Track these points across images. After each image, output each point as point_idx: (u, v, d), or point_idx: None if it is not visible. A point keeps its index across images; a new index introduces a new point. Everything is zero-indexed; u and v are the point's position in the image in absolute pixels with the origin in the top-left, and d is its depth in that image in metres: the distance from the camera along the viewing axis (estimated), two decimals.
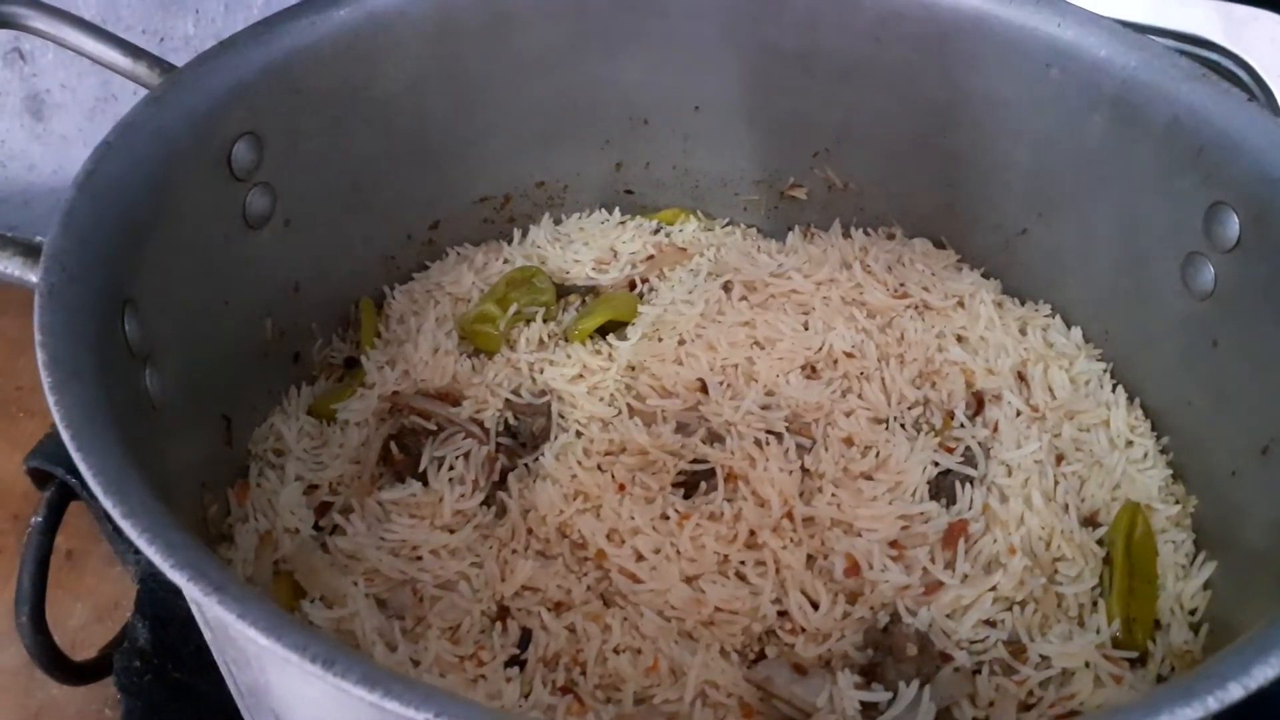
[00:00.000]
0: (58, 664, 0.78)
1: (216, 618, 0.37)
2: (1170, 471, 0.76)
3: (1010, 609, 0.67)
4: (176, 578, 0.39)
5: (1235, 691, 0.37)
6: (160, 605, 0.78)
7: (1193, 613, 0.69)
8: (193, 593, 0.38)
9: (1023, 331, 0.85)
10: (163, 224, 0.65)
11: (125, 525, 0.40)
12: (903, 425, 0.77)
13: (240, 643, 0.47)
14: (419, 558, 0.70)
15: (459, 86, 0.86)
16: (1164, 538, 0.71)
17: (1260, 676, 0.38)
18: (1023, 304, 0.89)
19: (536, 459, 0.77)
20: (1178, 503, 0.74)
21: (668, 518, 0.73)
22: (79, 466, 0.43)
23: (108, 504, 0.41)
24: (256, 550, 0.70)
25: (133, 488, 0.43)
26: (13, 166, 1.12)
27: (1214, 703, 0.37)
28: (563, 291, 0.90)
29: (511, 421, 0.79)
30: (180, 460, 0.66)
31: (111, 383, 0.55)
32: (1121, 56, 0.74)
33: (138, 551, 0.81)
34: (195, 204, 0.68)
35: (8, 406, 1.08)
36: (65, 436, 0.44)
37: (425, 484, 0.74)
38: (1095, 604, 0.68)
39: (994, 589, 0.67)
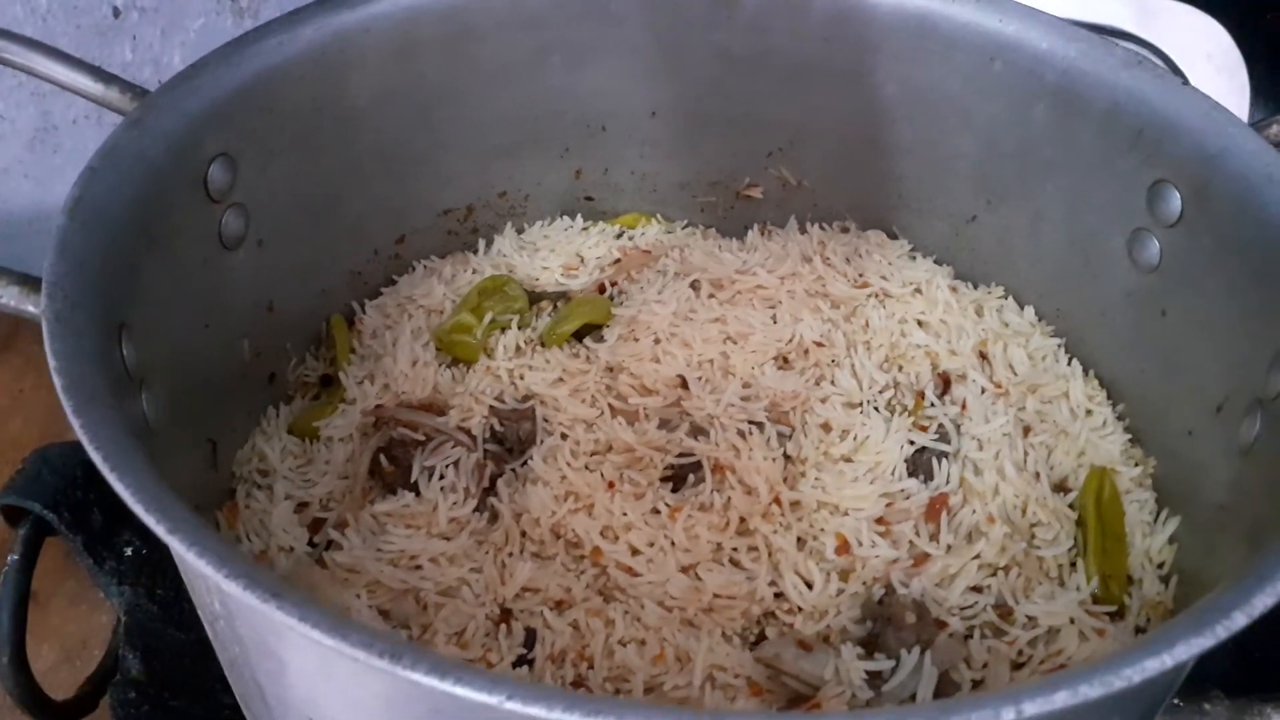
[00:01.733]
0: (41, 706, 0.77)
1: (268, 624, 0.38)
2: (1129, 436, 0.80)
3: (995, 574, 0.70)
4: (231, 587, 0.39)
5: (1239, 620, 0.40)
6: (150, 635, 0.77)
7: (1160, 565, 0.73)
8: (249, 600, 0.38)
9: (979, 313, 0.89)
10: (148, 248, 0.65)
11: (172, 541, 0.40)
12: (876, 408, 0.81)
13: (280, 651, 0.47)
14: (418, 567, 0.71)
15: (422, 100, 0.87)
16: (1129, 498, 0.75)
17: (1260, 605, 0.41)
18: (976, 288, 0.93)
19: (525, 463, 0.78)
20: (1138, 465, 0.78)
21: (659, 511, 0.75)
22: (115, 487, 0.43)
23: (151, 521, 0.41)
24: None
25: (171, 504, 0.44)
26: None
27: (1223, 631, 0.40)
28: (534, 298, 0.91)
29: (497, 428, 0.80)
30: (175, 483, 0.66)
31: (119, 407, 0.55)
32: (1062, 48, 0.79)
33: (122, 582, 0.80)
34: (176, 227, 0.68)
35: None
36: (97, 459, 0.44)
37: (418, 494, 0.75)
38: (1074, 564, 0.72)
39: (978, 557, 0.70)
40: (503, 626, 0.69)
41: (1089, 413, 0.81)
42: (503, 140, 0.94)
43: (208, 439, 0.75)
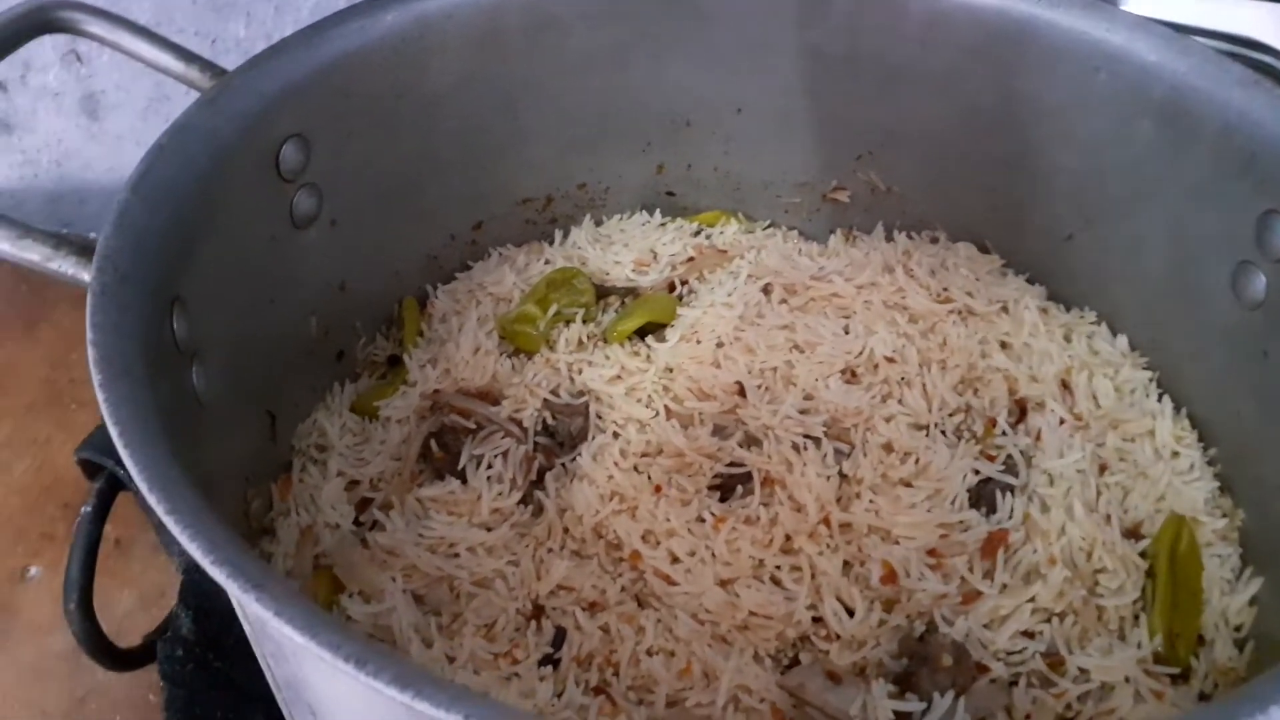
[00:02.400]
0: (104, 650, 0.80)
1: (255, 614, 0.38)
2: (1217, 484, 0.74)
3: (1049, 620, 0.66)
4: (216, 574, 0.39)
5: (1276, 715, 0.36)
6: (203, 596, 0.79)
7: (1238, 629, 0.67)
8: (232, 589, 0.39)
9: (1067, 339, 0.84)
10: (212, 224, 0.66)
11: (169, 521, 0.41)
12: (943, 432, 0.77)
13: (278, 639, 0.47)
14: (456, 555, 0.71)
15: (503, 89, 0.87)
16: (1210, 551, 0.70)
17: None
18: (1068, 310, 0.88)
19: (574, 459, 0.77)
20: (1224, 516, 0.72)
21: (703, 520, 0.73)
22: (125, 463, 0.44)
23: (152, 500, 0.42)
24: (298, 544, 0.72)
25: (176, 485, 0.44)
26: (69, 165, 1.15)
27: None
28: (602, 293, 0.90)
29: (550, 421, 0.79)
30: (224, 455, 0.68)
31: (160, 380, 0.57)
32: (1172, 62, 0.73)
33: None
34: (244, 204, 0.70)
35: (61, 397, 1.11)
36: (113, 433, 0.45)
37: (464, 482, 0.75)
38: (1137, 618, 0.67)
39: (1033, 600, 0.66)
40: (533, 623, 0.69)
41: (1175, 455, 0.76)
42: (584, 132, 0.94)
43: (267, 411, 0.76)
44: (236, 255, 0.70)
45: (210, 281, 0.66)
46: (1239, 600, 0.68)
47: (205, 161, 0.66)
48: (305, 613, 0.38)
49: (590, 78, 0.90)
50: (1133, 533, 0.71)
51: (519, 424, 0.78)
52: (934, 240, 0.95)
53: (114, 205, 0.58)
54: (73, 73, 1.11)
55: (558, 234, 0.97)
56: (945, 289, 0.87)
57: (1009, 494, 0.72)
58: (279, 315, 0.76)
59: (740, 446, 0.76)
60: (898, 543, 0.70)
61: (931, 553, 0.69)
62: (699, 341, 0.83)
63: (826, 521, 0.72)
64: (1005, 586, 0.67)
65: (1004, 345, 0.83)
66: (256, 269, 0.73)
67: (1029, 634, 0.65)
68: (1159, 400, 0.79)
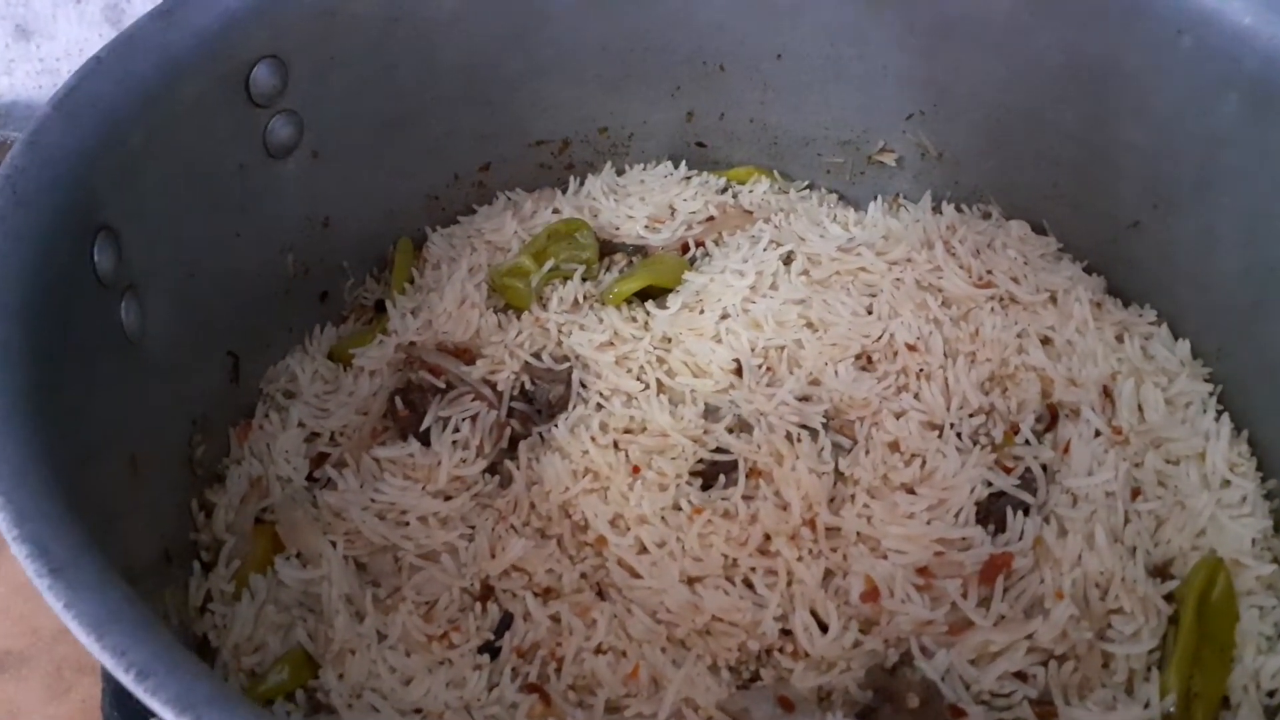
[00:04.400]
0: None
1: (51, 604, 0.33)
2: (1271, 522, 0.64)
3: (1046, 663, 0.58)
4: (19, 550, 0.35)
5: None
6: None
7: (1271, 695, 0.58)
8: (29, 571, 0.34)
9: (1119, 339, 0.74)
10: (161, 148, 0.61)
11: None
12: (959, 435, 0.68)
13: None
14: (406, 523, 0.66)
15: (515, 18, 0.80)
16: (1249, 601, 0.61)
17: None
18: (1125, 306, 0.78)
19: (551, 429, 0.71)
20: (1274, 560, 0.63)
21: (679, 509, 0.66)
22: None
23: None
24: (244, 496, 0.67)
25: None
26: None
27: None
28: (609, 249, 0.83)
29: (528, 386, 0.73)
30: (167, 397, 0.64)
31: (72, 315, 0.52)
32: (1269, 26, 0.62)
33: None
34: (203, 130, 0.65)
35: None
36: None
37: (427, 445, 0.70)
38: (1150, 671, 0.58)
39: (1030, 637, 0.58)
40: (479, 605, 0.63)
41: (1226, 484, 0.66)
42: (606, 71, 0.86)
43: (229, 352, 0.72)
44: (192, 183, 0.65)
45: (155, 211, 0.61)
46: (1276, 662, 0.58)
47: (153, 80, 0.60)
48: (104, 606, 0.33)
49: (613, 11, 0.82)
50: (1160, 571, 0.62)
51: (492, 387, 0.72)
52: (985, 216, 0.86)
53: (31, 123, 0.53)
54: None
55: (574, 181, 0.90)
56: (989, 271, 0.78)
57: (1021, 513, 0.64)
58: (246, 250, 0.71)
59: (729, 431, 0.69)
60: (886, 556, 0.62)
61: (922, 571, 0.61)
62: (702, 311, 0.76)
63: (811, 524, 0.64)
64: (1001, 619, 0.59)
65: (1045, 341, 0.74)
66: (219, 200, 0.68)
67: (1021, 676, 0.57)
68: (1216, 419, 0.69)
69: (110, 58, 0.58)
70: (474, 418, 0.71)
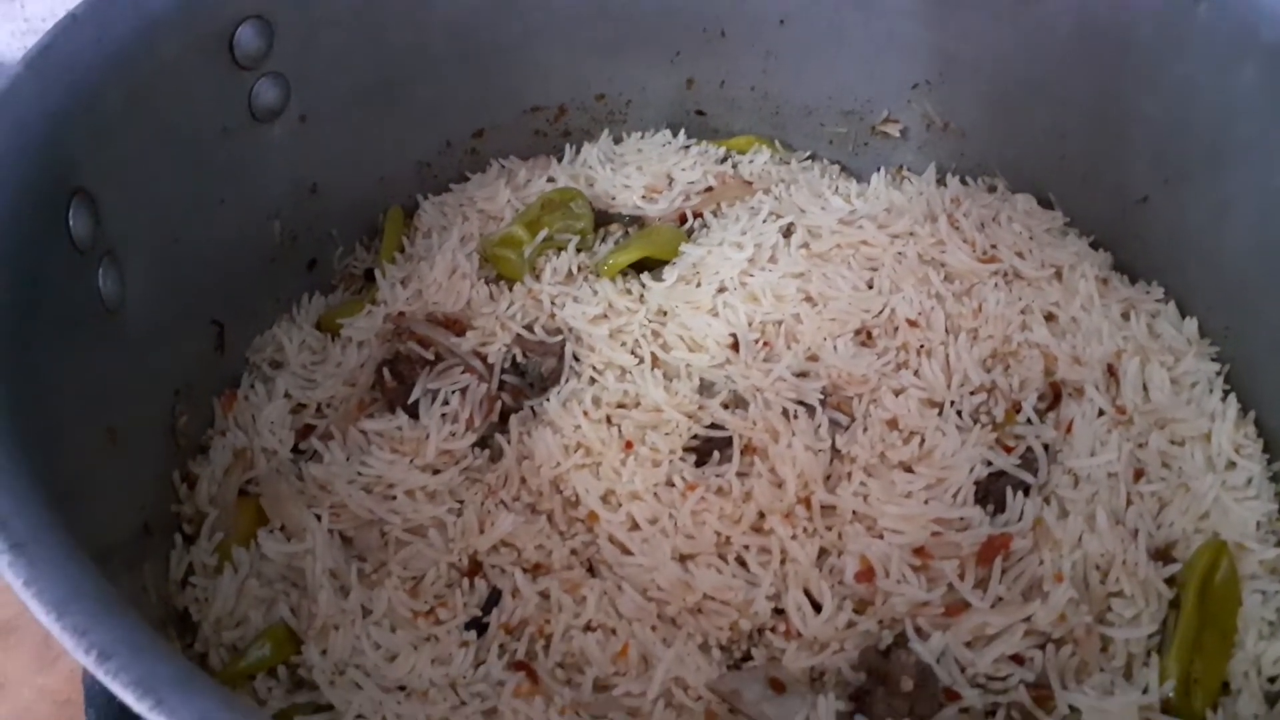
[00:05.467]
0: None
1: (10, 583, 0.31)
2: (1276, 505, 0.63)
3: (1043, 646, 0.57)
4: None
5: None
6: None
7: (1272, 680, 0.57)
8: None
9: (1125, 316, 0.73)
10: (139, 111, 0.59)
11: None
12: (959, 413, 0.67)
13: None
14: (393, 497, 0.64)
15: None
16: (1252, 585, 0.59)
17: None
18: (1133, 283, 0.76)
19: (543, 403, 0.70)
20: (1279, 544, 0.61)
21: (673, 485, 0.65)
22: None
23: None
24: (228, 468, 0.66)
25: None
26: None
27: None
28: (604, 219, 0.81)
29: (520, 359, 0.72)
30: (148, 367, 0.62)
31: (45, 282, 0.51)
32: None
33: None
34: (185, 92, 0.63)
35: None
36: None
37: (415, 418, 0.68)
38: (1150, 655, 0.57)
39: (1028, 620, 0.57)
40: (466, 581, 0.62)
41: (1231, 465, 0.64)
42: (603, 35, 0.84)
43: (213, 321, 0.70)
44: (174, 147, 0.63)
45: (134, 175, 0.59)
46: (1279, 648, 0.57)
47: (132, 40, 0.58)
48: (66, 583, 0.32)
49: None
50: (1163, 554, 0.60)
51: (483, 359, 0.71)
52: (991, 189, 0.84)
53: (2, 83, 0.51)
54: None
55: (570, 150, 0.88)
56: (993, 246, 0.76)
57: (1021, 493, 0.62)
58: (231, 216, 0.69)
59: (724, 407, 0.68)
60: (882, 536, 0.61)
61: (919, 551, 0.60)
62: (699, 284, 0.74)
63: (806, 502, 0.63)
64: (999, 601, 0.58)
65: (1049, 318, 0.72)
66: (202, 163, 0.66)
67: (1017, 659, 0.56)
68: (1223, 399, 0.68)
69: (87, 16, 0.56)
70: (464, 390, 0.69)
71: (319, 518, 0.63)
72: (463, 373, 0.70)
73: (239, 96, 0.67)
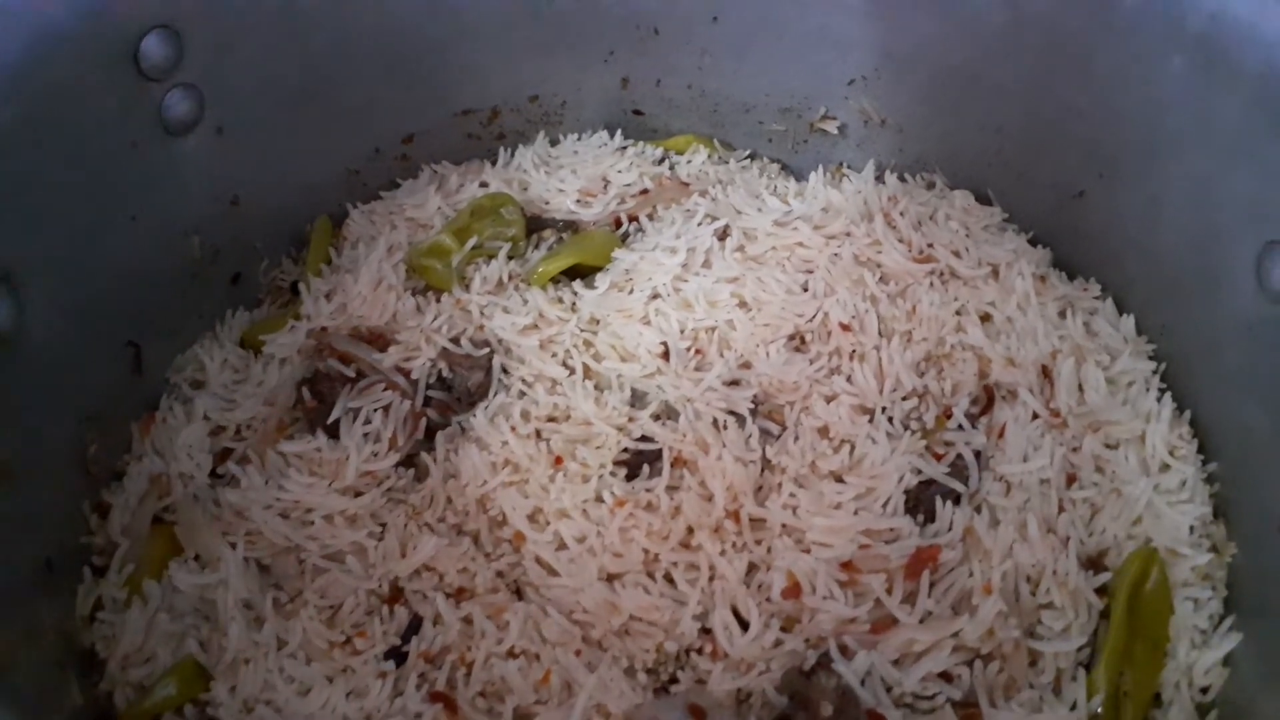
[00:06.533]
0: None
1: None
2: (1210, 509, 0.62)
3: (971, 663, 0.55)
4: None
5: None
6: None
7: (1204, 691, 0.56)
8: None
9: (1062, 315, 0.71)
10: (34, 128, 0.57)
11: None
12: (890, 419, 0.65)
13: None
14: (310, 523, 0.63)
15: None
16: (1185, 593, 0.58)
17: None
18: (1071, 279, 0.75)
19: (470, 418, 0.68)
20: (1212, 549, 0.60)
21: (602, 501, 0.63)
22: None
23: None
24: (143, 495, 0.64)
25: None
26: None
27: None
28: (537, 224, 0.79)
29: (446, 373, 0.70)
30: (48, 396, 0.60)
31: None
32: None
33: None
34: (87, 107, 0.61)
35: None
36: None
37: (335, 438, 0.67)
38: (1078, 669, 0.56)
39: (956, 635, 0.56)
40: (386, 608, 0.61)
41: (1165, 468, 0.63)
42: (535, 35, 0.82)
43: (129, 343, 0.68)
44: (76, 164, 0.61)
45: (32, 195, 0.57)
46: (1211, 657, 0.56)
47: (23, 54, 0.56)
48: None
49: None
50: (1094, 563, 0.59)
51: (406, 375, 0.69)
52: (930, 186, 0.82)
53: None
54: None
55: (504, 153, 0.86)
56: (929, 245, 0.75)
57: (952, 502, 0.61)
58: (144, 234, 0.67)
59: (655, 419, 0.66)
60: (809, 550, 0.60)
61: (846, 566, 0.59)
62: (631, 291, 0.73)
63: (735, 516, 0.62)
64: (928, 615, 0.57)
65: (984, 318, 0.71)
66: (109, 181, 0.64)
67: (945, 676, 0.55)
68: (1159, 399, 0.67)
69: None
70: (386, 408, 0.67)
71: (234, 546, 0.61)
72: (385, 390, 0.68)
73: (148, 109, 0.65)
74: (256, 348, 0.74)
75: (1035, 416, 0.65)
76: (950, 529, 0.60)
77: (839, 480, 0.63)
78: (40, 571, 0.56)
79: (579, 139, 0.87)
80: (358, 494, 0.65)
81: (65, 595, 0.59)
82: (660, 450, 0.65)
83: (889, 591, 0.57)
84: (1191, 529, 0.60)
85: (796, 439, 0.65)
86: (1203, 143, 0.62)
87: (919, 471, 0.62)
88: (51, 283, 0.60)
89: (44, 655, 0.54)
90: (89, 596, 0.60)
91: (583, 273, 0.75)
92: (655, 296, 0.72)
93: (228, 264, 0.76)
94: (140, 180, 0.66)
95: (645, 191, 0.82)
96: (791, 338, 0.70)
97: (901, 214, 0.76)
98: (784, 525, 0.61)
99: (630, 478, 0.65)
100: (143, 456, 0.67)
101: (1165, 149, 0.65)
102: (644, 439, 0.66)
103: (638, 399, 0.68)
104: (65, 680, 0.55)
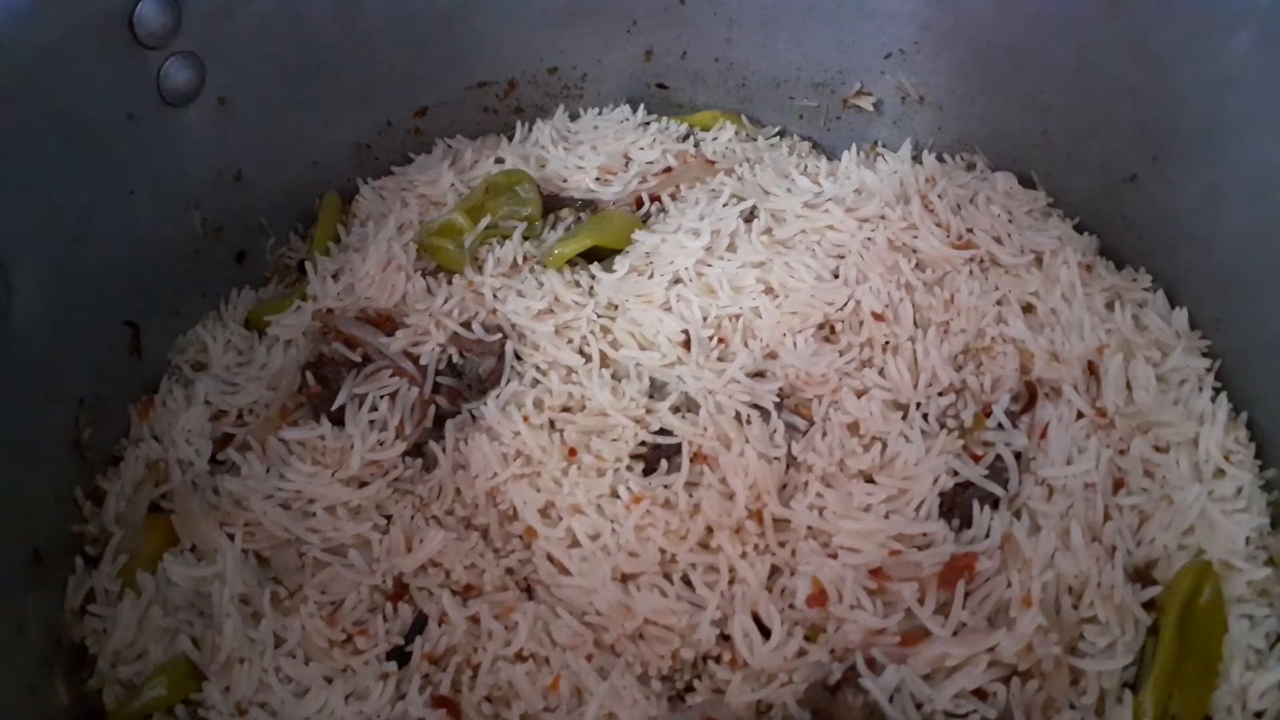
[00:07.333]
0: None
1: None
2: (1267, 519, 0.58)
3: (1008, 680, 0.52)
4: None
5: None
6: None
7: (1259, 716, 0.52)
8: None
9: (1110, 307, 0.67)
10: (21, 99, 0.54)
11: None
12: (925, 416, 0.62)
13: None
14: (312, 514, 0.60)
15: None
16: (1240, 609, 0.55)
17: None
18: (1119, 269, 0.70)
19: (481, 406, 0.65)
20: (1270, 562, 0.56)
21: (617, 496, 0.60)
22: None
23: None
24: (139, 482, 0.62)
25: None
26: None
27: None
28: (555, 203, 0.76)
29: (456, 359, 0.67)
30: (41, 379, 0.57)
31: None
32: None
33: None
34: (79, 75, 0.58)
35: None
36: None
37: (341, 425, 0.64)
38: (1124, 690, 0.52)
39: (992, 650, 0.52)
40: (390, 605, 0.58)
41: (1220, 474, 0.59)
42: (554, 3, 0.78)
43: (126, 323, 0.66)
44: (68, 137, 0.58)
45: (21, 170, 0.55)
46: (1267, 679, 0.52)
47: (9, 20, 0.53)
48: None
49: None
50: (1142, 575, 0.56)
51: (414, 360, 0.66)
52: (970, 167, 0.78)
53: None
54: None
55: (521, 128, 0.82)
56: (969, 230, 0.71)
57: (990, 506, 0.57)
58: (142, 210, 0.65)
59: (674, 411, 0.63)
60: (836, 555, 0.56)
61: (875, 573, 0.55)
62: (652, 275, 0.69)
63: (758, 516, 0.58)
64: (961, 628, 0.53)
65: (1027, 309, 0.67)
66: (104, 154, 0.61)
67: (980, 694, 0.52)
68: (1213, 398, 0.62)
69: None
70: (393, 395, 0.65)
71: (232, 537, 0.59)
72: (392, 375, 0.65)
73: (145, 79, 0.62)
74: (262, 328, 0.71)
75: (1080, 416, 0.61)
76: (988, 536, 0.57)
77: (869, 480, 0.59)
78: (27, 562, 0.54)
79: (599, 114, 0.84)
80: (362, 484, 0.62)
81: (54, 587, 0.56)
82: (679, 444, 0.62)
83: (921, 601, 0.54)
84: (1248, 540, 0.57)
85: (824, 435, 0.61)
86: (1269, 125, 0.58)
87: (955, 473, 0.59)
88: (43, 259, 0.57)
89: (28, 653, 0.51)
90: (80, 588, 0.57)
91: (601, 255, 0.72)
92: (677, 281, 0.68)
93: (232, 241, 0.73)
94: (138, 153, 0.63)
95: (668, 170, 0.78)
96: (820, 327, 0.66)
97: (940, 196, 0.72)
98: (810, 527, 0.58)
99: (647, 472, 0.62)
100: (140, 441, 0.64)
101: (1226, 131, 0.61)
102: (662, 432, 0.63)
103: (657, 389, 0.65)
104: (50, 678, 0.52)
